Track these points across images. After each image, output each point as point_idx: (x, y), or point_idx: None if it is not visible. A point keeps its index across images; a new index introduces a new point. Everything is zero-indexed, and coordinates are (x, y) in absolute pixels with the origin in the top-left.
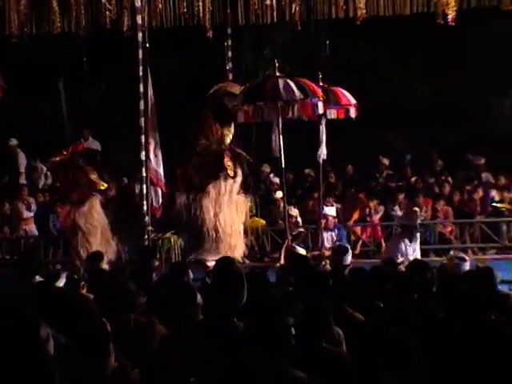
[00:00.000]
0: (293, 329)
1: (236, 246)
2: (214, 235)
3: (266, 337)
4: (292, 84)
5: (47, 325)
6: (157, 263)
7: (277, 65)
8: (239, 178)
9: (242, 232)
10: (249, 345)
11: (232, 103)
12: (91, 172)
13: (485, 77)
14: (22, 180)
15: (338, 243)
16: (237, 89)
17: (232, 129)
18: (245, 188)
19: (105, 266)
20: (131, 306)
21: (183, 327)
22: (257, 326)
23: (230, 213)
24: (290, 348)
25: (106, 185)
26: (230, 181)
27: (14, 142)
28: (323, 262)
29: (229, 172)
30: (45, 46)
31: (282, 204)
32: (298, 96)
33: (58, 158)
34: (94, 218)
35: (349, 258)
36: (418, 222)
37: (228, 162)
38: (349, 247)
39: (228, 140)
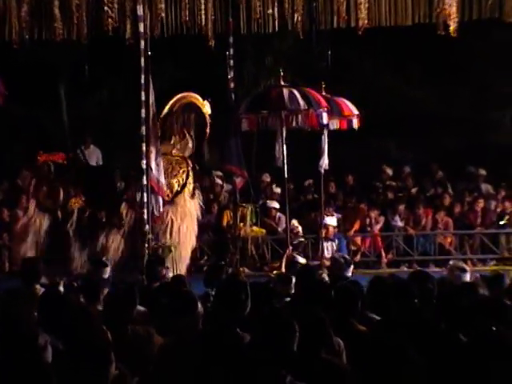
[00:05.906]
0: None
1: (186, 258)
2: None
3: (269, 347)
4: (297, 94)
5: (46, 332)
6: (164, 272)
7: (281, 74)
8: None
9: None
10: (251, 355)
11: (188, 114)
12: None
13: (486, 89)
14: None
15: (340, 254)
16: (197, 99)
17: (183, 143)
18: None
19: (107, 275)
20: (129, 316)
21: (183, 336)
22: (259, 337)
23: (188, 223)
24: (293, 358)
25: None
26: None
27: None
28: (320, 272)
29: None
30: (46, 53)
31: (275, 213)
32: (302, 106)
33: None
34: None
35: (350, 270)
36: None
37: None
38: (351, 260)
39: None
